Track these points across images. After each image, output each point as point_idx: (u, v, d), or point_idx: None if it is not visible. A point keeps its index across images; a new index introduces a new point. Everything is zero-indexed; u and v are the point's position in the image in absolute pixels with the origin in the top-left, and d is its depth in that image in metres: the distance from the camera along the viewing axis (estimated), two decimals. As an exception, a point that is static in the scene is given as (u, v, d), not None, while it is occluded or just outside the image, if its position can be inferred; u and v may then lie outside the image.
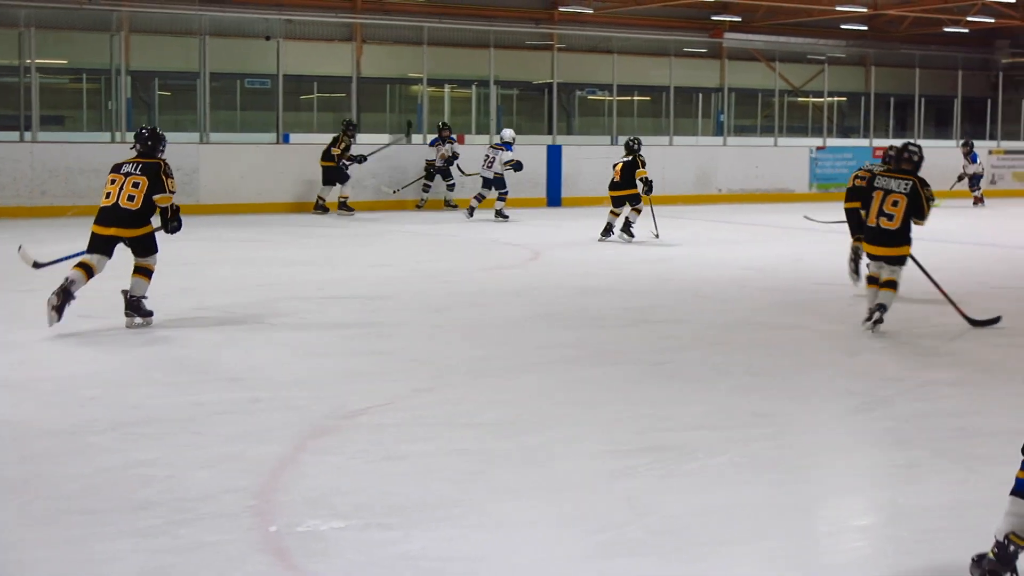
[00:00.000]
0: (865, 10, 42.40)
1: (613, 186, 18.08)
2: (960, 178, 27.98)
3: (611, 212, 18.14)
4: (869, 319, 10.44)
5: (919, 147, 10.83)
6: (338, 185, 22.35)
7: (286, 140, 24.40)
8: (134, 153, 10.64)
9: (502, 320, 11.06)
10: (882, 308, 10.38)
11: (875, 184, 10.58)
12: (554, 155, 24.57)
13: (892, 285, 10.46)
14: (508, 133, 22.07)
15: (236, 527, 5.38)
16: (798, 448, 6.86)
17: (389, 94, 35.17)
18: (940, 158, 28.55)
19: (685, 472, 6.31)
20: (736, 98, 37.79)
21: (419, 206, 23.43)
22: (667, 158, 24.93)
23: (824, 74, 33.98)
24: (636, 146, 18.08)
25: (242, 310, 11.36)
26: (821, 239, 18.31)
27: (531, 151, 24.24)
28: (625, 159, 17.97)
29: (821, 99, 35.74)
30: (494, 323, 10.92)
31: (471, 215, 21.62)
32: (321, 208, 22.52)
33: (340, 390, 8.08)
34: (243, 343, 9.83)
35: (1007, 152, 30.61)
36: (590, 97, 37.72)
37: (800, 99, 41.75)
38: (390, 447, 6.69)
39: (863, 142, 30.72)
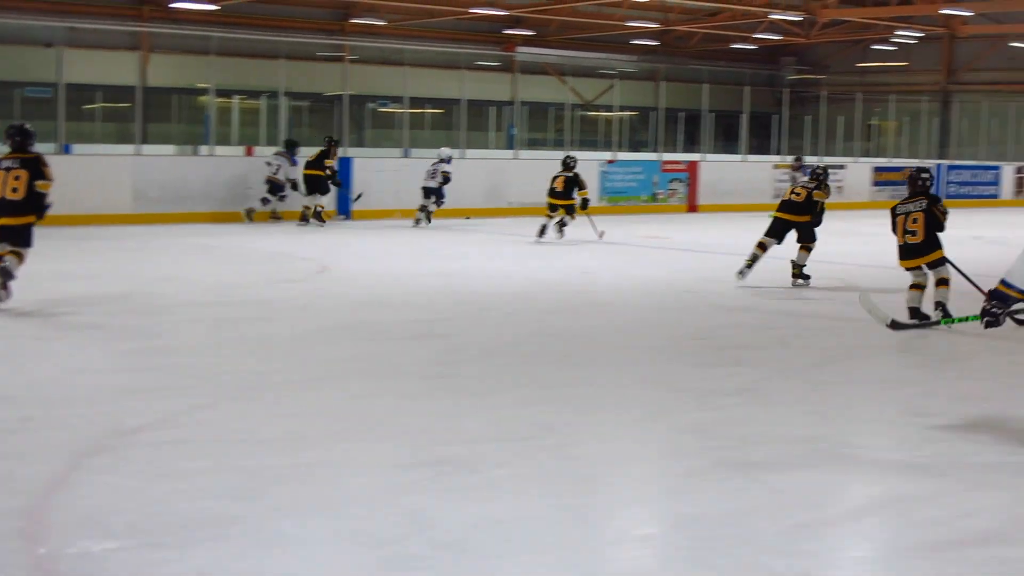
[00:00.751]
0: (656, 26, 43.10)
1: (553, 194, 20.46)
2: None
3: (547, 215, 20.47)
4: (938, 312, 11.66)
5: (929, 172, 12.45)
6: (317, 195, 23.00)
7: (67, 151, 23.74)
8: (7, 150, 11.81)
9: (286, 335, 10.88)
10: (941, 305, 11.77)
11: (896, 212, 12.17)
12: (344, 167, 24.35)
13: (945, 283, 11.90)
14: (446, 151, 23.96)
15: (3, 549, 5.17)
16: (582, 459, 6.85)
17: (176, 104, 34.58)
18: (727, 172, 29.19)
19: (468, 485, 6.25)
20: (528, 112, 38.09)
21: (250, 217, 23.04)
22: (458, 171, 24.86)
23: (615, 89, 34.41)
24: (573, 164, 20.68)
25: (15, 326, 10.98)
26: (609, 252, 18.55)
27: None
28: (566, 174, 20.47)
29: (612, 113, 36.15)
30: (278, 338, 10.72)
31: (418, 224, 23.05)
32: (318, 217, 22.95)
33: (117, 407, 7.83)
34: (16, 360, 9.50)
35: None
36: (381, 109, 37.58)
37: (591, 113, 42.23)
38: (167, 465, 6.49)
39: (653, 156, 31.15)
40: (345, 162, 24.53)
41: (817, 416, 7.95)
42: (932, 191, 12.29)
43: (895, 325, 9.47)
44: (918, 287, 11.96)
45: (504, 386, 8.71)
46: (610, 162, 27.98)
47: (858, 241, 21.43)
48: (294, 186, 23.04)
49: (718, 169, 29.61)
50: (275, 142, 26.12)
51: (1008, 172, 35.20)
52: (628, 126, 42.80)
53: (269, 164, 23.14)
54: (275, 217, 23.29)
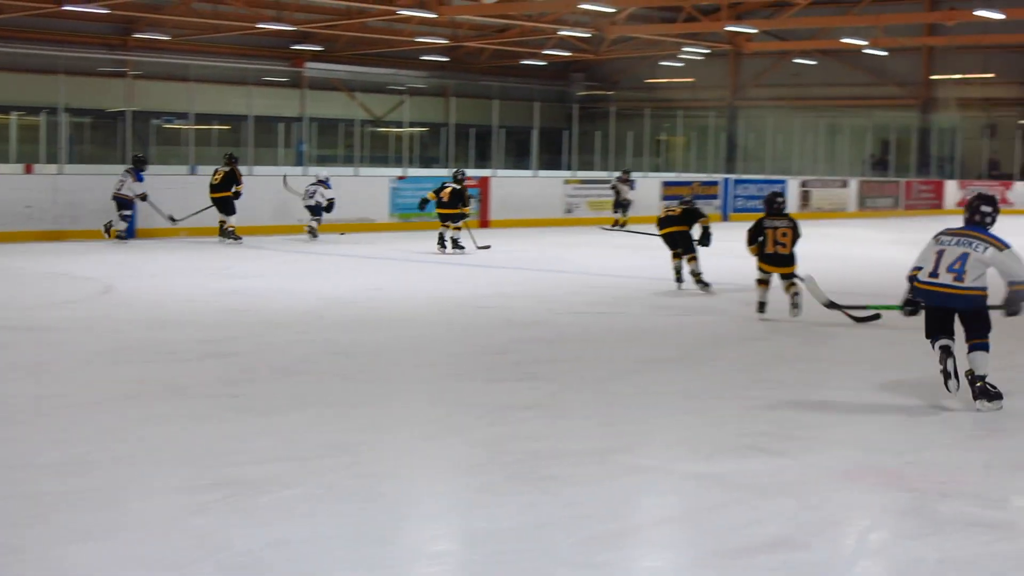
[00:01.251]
0: (445, 42, 43.27)
1: (442, 205, 21.61)
2: (619, 206, 29.34)
3: (444, 226, 21.79)
4: (796, 311, 13.56)
5: (783, 196, 14.82)
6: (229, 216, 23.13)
7: None
8: None
9: (69, 357, 10.54)
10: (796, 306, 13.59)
11: (764, 225, 13.78)
12: (132, 184, 23.78)
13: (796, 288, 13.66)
14: (324, 172, 25.44)
15: None
16: (374, 477, 6.76)
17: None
18: (519, 188, 29.35)
19: (259, 505, 6.13)
20: (318, 128, 37.81)
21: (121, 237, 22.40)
22: (247, 187, 24.52)
23: (405, 104, 34.37)
24: (463, 177, 21.90)
25: None
26: (401, 268, 18.48)
27: (104, 181, 23.40)
28: (454, 186, 21.57)
29: (402, 129, 36.08)
30: (58, 361, 10.39)
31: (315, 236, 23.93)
32: (231, 235, 22.94)
33: None
34: None
35: (582, 181, 31.62)
36: (167, 126, 36.95)
37: (381, 129, 42.14)
38: (-61, 493, 6.23)
39: (444, 172, 31.13)
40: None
41: (610, 428, 7.99)
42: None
43: (831, 305, 12.05)
44: (765, 285, 13.74)
45: (295, 405, 8.56)
46: (401, 178, 27.89)
47: (648, 255, 21.65)
48: (143, 198, 22.58)
49: (510, 184, 29.73)
50: (55, 159, 25.39)
51: (793, 186, 36.06)
52: (419, 142, 42.80)
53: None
54: (120, 237, 22.69)
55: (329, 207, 24.22)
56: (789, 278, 13.74)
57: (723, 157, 41.83)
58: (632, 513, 6.30)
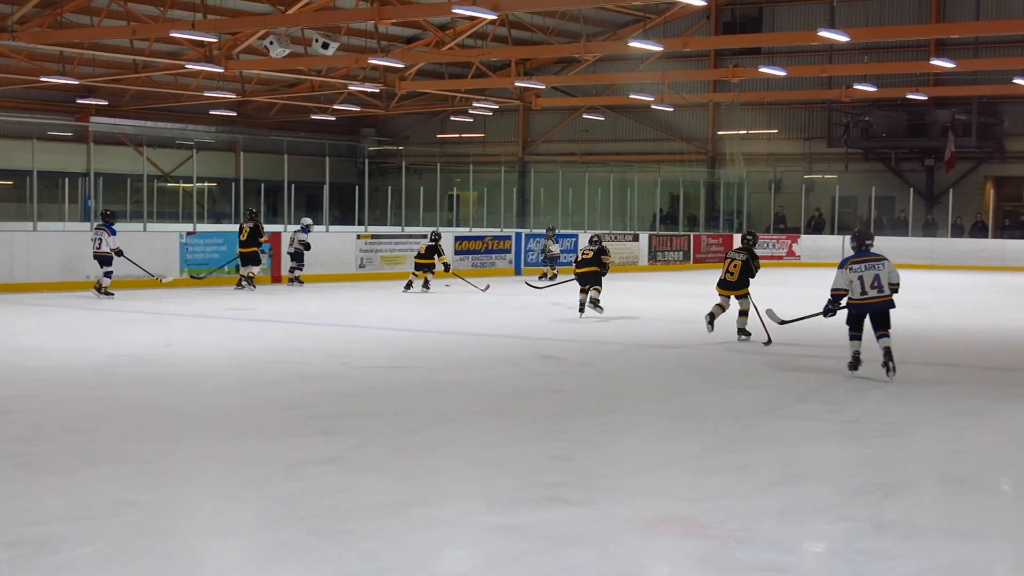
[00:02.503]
0: (234, 96, 42.92)
1: (420, 256, 25.70)
2: (549, 260, 31.03)
3: (413, 274, 25.88)
4: (742, 337, 16.79)
5: (753, 234, 18.16)
6: (251, 266, 25.75)
7: None
8: None
9: None
10: (742, 330, 16.84)
11: (727, 255, 17.27)
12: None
13: (744, 313, 16.80)
14: (307, 220, 28.33)
15: None
16: (168, 534, 6.60)
17: None
18: (317, 242, 29.10)
19: (49, 565, 5.97)
20: (104, 182, 37.04)
21: None
22: (31, 244, 23.92)
23: (194, 159, 33.92)
24: (438, 237, 25.72)
25: None
26: (194, 324, 18.18)
27: None
28: (428, 243, 25.61)
29: (191, 184, 35.61)
30: None
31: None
32: (249, 281, 25.68)
33: None
34: None
35: (374, 236, 31.51)
36: (-52, 180, 35.94)
37: (170, 184, 41.55)
38: None
39: (234, 227, 30.76)
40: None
41: (409, 482, 7.92)
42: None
43: (783, 322, 15.62)
44: (721, 307, 16.92)
45: (86, 463, 8.33)
46: (191, 234, 27.47)
47: (443, 309, 21.70)
48: (119, 253, 23.03)
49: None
50: None
51: (584, 240, 36.42)
52: (208, 197, 42.29)
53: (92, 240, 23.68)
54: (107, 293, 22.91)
55: (307, 248, 27.55)
56: (742, 302, 16.87)
57: (515, 211, 42.18)
58: (433, 566, 6.24)
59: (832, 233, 43.21)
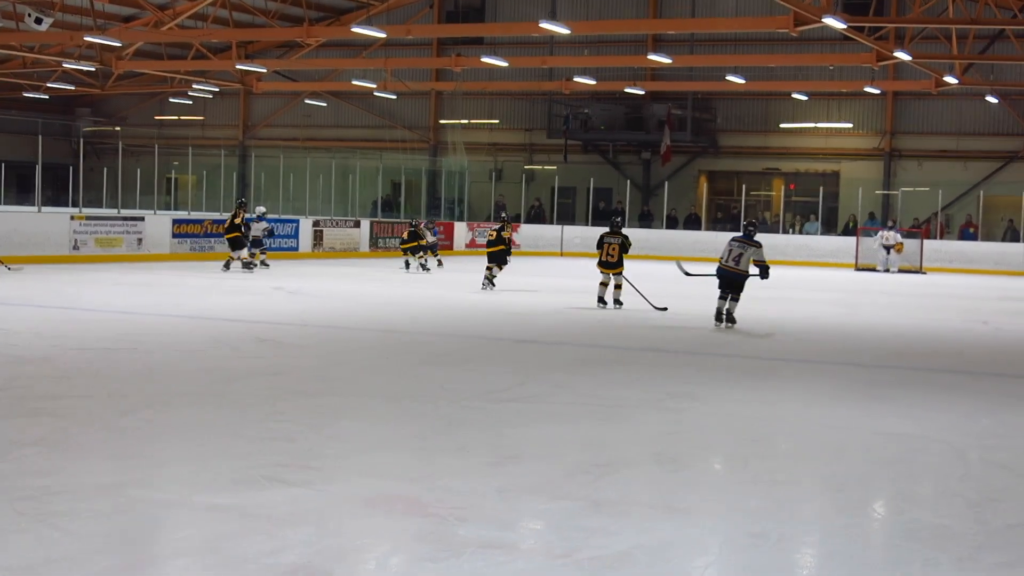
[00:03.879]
0: (-60, 71, 41.26)
1: (404, 242, 30.02)
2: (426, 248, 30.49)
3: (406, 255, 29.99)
4: (617, 306, 20.18)
5: (620, 218, 21.89)
6: (244, 249, 27.89)
7: None
8: None
9: None
10: (618, 301, 20.29)
11: (602, 239, 20.33)
12: None
13: (619, 287, 20.32)
14: (261, 208, 30.02)
15: None
16: None
17: None
18: (22, 224, 28.21)
19: None
20: None
21: None
22: None
23: None
24: (416, 222, 30.09)
25: None
26: None
27: None
28: (411, 228, 29.81)
29: None
30: None
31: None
32: (250, 264, 28.16)
33: None
34: None
35: (88, 218, 30.66)
36: None
37: None
38: None
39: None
40: None
41: (123, 463, 7.78)
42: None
43: (688, 274, 20.09)
44: (604, 284, 20.30)
45: None
46: None
47: (159, 292, 21.29)
48: None
49: (14, 221, 28.52)
50: None
51: (306, 226, 36.23)
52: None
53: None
54: None
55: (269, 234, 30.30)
56: (618, 278, 20.18)
57: (235, 196, 41.65)
58: (149, 546, 6.13)
59: (552, 223, 43.93)
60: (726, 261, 17.83)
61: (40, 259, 27.90)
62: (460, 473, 7.82)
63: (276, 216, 35.54)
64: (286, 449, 8.39)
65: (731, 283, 17.80)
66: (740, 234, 18.43)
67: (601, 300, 20.31)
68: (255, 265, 28.40)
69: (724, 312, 17.79)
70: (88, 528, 6.22)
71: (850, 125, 43.25)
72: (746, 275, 17.86)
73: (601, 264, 20.23)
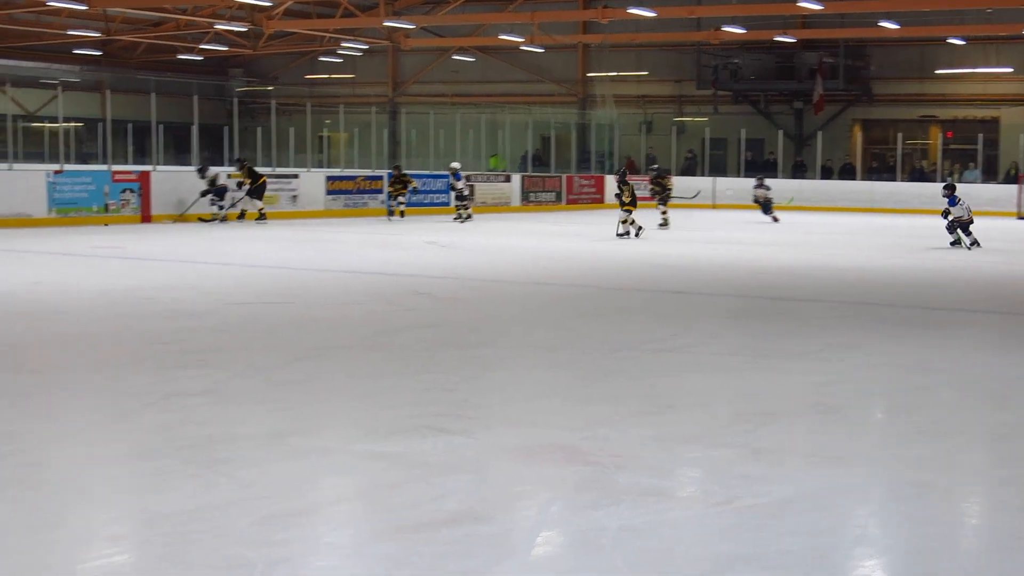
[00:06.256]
0: (98, 35, 42.08)
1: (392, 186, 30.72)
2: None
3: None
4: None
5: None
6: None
7: None
8: None
9: None
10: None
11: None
12: None
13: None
14: (456, 164, 31.86)
15: None
16: (43, 464, 6.54)
17: None
18: (181, 182, 28.75)
19: (-81, 498, 5.83)
20: (-33, 122, 36.25)
21: None
22: None
23: (59, 99, 33.24)
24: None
25: None
26: (62, 263, 17.93)
27: None
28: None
29: (57, 124, 34.92)
30: None
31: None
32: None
33: None
34: None
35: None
36: None
37: (35, 124, 40.72)
38: None
39: (102, 167, 30.25)
40: None
41: (284, 413, 7.89)
42: None
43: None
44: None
45: (-47, 397, 8.17)
46: (58, 172, 26.98)
47: (315, 247, 21.61)
48: None
49: (174, 179, 29.09)
50: None
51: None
52: (75, 137, 41.50)
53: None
54: None
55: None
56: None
57: (386, 152, 41.96)
58: (310, 492, 6.22)
59: (704, 175, 43.48)
60: (968, 215, 23.03)
61: (194, 217, 28.42)
62: (616, 422, 7.82)
63: (427, 172, 35.77)
64: (444, 399, 8.47)
65: (966, 226, 23.06)
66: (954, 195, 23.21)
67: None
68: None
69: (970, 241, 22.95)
70: (251, 475, 6.34)
71: (1010, 70, 42.18)
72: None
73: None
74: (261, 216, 28.74)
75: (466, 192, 31.24)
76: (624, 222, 24.79)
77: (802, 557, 5.24)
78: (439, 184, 35.11)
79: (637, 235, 24.46)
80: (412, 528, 5.51)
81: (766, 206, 32.13)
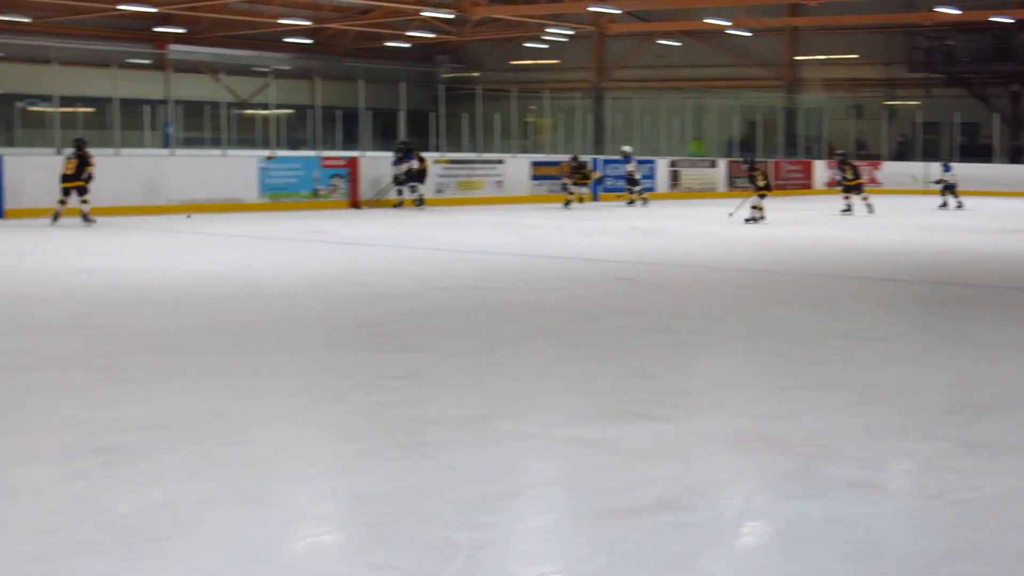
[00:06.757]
0: (308, 24, 42.87)
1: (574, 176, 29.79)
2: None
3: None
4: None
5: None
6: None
7: None
8: None
9: (-68, 332, 10.28)
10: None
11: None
12: (-9, 166, 23.31)
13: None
14: (628, 148, 32.02)
15: None
16: (253, 443, 6.66)
17: None
18: (389, 168, 29.15)
19: (138, 471, 6.01)
20: (184, 110, 37.25)
21: None
22: (114, 169, 24.12)
23: (271, 86, 33.97)
24: (580, 160, 29.78)
25: None
26: (273, 247, 18.28)
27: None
28: (572, 164, 29.70)
29: (269, 111, 35.70)
30: (-77, 335, 10.13)
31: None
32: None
33: None
34: None
35: (451, 162, 31.51)
36: (31, 108, 36.24)
37: (248, 111, 41.67)
38: None
39: (312, 153, 30.88)
40: (-8, 161, 23.52)
41: (488, 396, 7.94)
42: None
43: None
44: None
45: (169, 375, 8.43)
46: (269, 158, 27.60)
47: (520, 233, 21.73)
48: None
49: (382, 165, 29.55)
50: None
51: (662, 165, 36.30)
52: (286, 124, 42.38)
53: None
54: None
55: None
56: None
57: (591, 138, 41.97)
58: (513, 476, 6.23)
59: (917, 160, 42.49)
60: None
61: (405, 202, 28.80)
62: (823, 412, 7.68)
63: (642, 157, 35.71)
64: (647, 385, 8.42)
65: None
66: None
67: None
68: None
69: None
70: (456, 458, 6.38)
71: None
72: None
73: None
74: (419, 202, 28.90)
75: (637, 176, 30.96)
76: (755, 207, 24.75)
77: (1019, 555, 5.07)
78: (643, 170, 34.99)
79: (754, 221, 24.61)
80: (614, 515, 5.47)
81: (948, 190, 31.44)
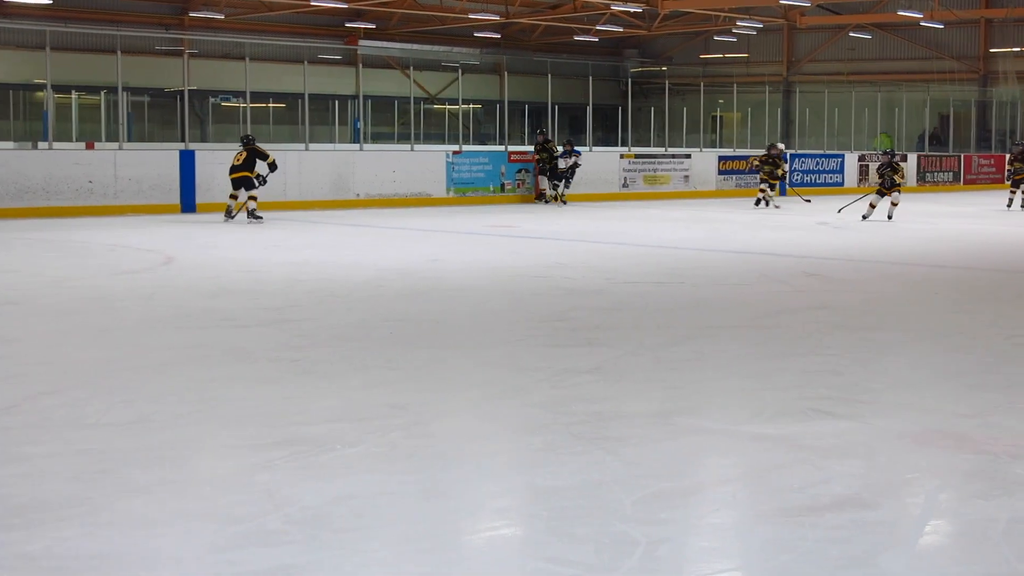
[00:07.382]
0: (497, 18, 43.16)
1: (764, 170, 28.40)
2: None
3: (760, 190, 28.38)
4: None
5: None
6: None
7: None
8: None
9: (131, 323, 10.65)
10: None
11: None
12: (187, 161, 23.97)
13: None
14: (780, 144, 30.34)
15: None
16: (435, 436, 6.76)
17: (12, 101, 33.79)
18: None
19: (323, 463, 6.13)
20: (372, 105, 37.84)
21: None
22: (303, 164, 24.63)
23: (459, 82, 34.31)
24: (776, 152, 28.12)
25: None
26: (459, 241, 18.48)
27: (162, 156, 23.68)
28: (766, 156, 28.22)
29: (457, 106, 36.07)
30: (122, 326, 10.49)
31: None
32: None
33: (-45, 396, 7.55)
34: None
35: (637, 156, 31.51)
36: (223, 104, 37.11)
37: (436, 106, 42.12)
38: (10, 450, 6.30)
39: (499, 148, 31.13)
40: (188, 156, 24.17)
41: (671, 392, 7.95)
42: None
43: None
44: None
45: (355, 369, 8.59)
46: (456, 153, 27.90)
47: (706, 228, 21.65)
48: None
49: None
50: (115, 137, 25.61)
51: (851, 160, 35.83)
52: (473, 119, 42.75)
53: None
54: None
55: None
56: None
57: (779, 132, 41.56)
58: (695, 472, 6.25)
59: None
60: None
61: (592, 196, 28.89)
62: (1012, 410, 7.54)
63: (821, 152, 35.25)
64: (832, 382, 8.35)
65: None
66: None
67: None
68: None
69: None
70: (638, 453, 6.41)
71: None
72: None
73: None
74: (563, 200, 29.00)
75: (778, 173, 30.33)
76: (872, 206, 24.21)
77: None
78: (831, 164, 34.54)
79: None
80: (796, 512, 5.46)
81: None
